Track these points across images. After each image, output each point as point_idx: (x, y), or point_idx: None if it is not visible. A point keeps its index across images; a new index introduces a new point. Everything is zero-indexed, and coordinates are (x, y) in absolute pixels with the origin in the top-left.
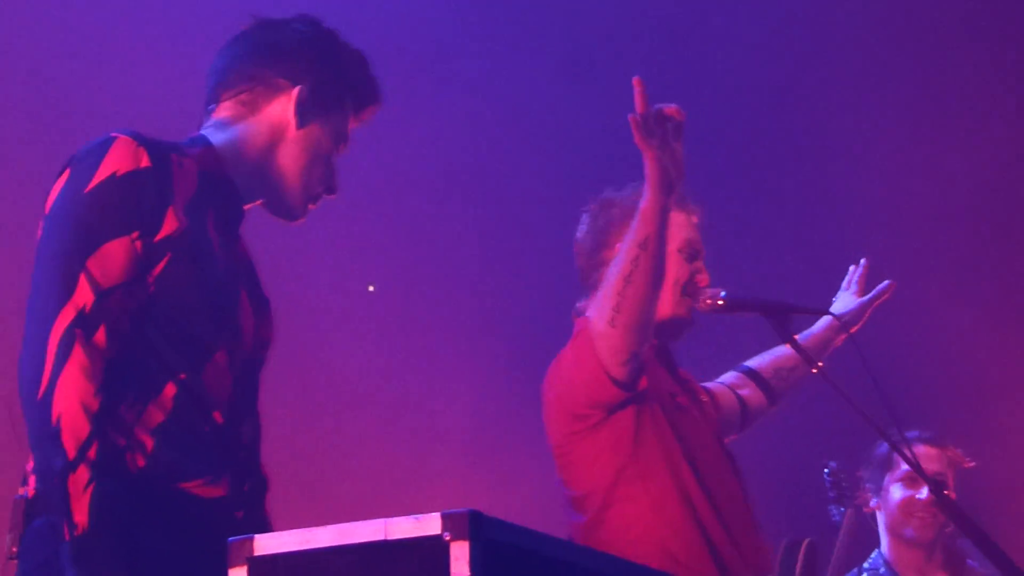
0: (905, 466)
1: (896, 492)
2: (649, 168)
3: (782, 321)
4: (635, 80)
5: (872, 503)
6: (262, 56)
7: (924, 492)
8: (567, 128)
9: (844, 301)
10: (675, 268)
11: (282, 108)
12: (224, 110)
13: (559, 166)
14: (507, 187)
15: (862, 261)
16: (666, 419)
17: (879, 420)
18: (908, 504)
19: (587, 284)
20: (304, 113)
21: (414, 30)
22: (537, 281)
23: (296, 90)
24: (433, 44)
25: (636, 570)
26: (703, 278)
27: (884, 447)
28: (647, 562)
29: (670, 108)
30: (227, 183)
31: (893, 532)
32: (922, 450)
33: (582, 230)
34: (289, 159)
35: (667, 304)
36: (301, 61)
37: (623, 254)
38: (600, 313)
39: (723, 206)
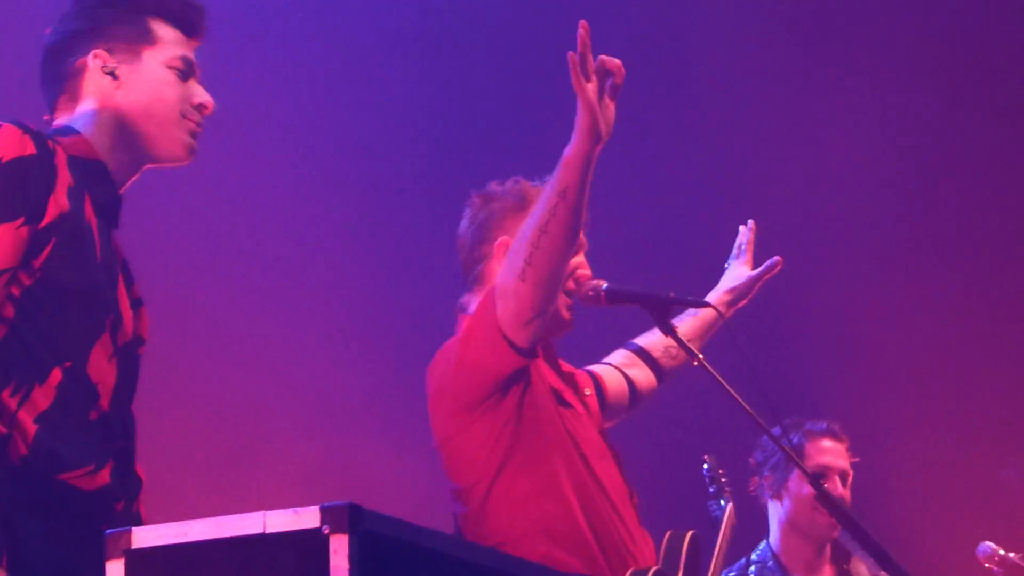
0: (817, 460)
1: (806, 487)
2: (580, 113)
3: (663, 313)
4: (581, 23)
5: (767, 494)
6: (50, 62)
7: (838, 488)
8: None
9: (735, 272)
10: None
11: (96, 79)
12: (61, 114)
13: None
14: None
15: (749, 223)
16: (552, 410)
17: (762, 412)
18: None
19: (469, 279)
20: (113, 68)
21: (410, 28)
22: (413, 276)
23: (88, 57)
24: (424, 41)
25: (515, 563)
26: (584, 273)
27: (794, 438)
28: (530, 552)
29: (613, 62)
30: (99, 165)
31: (792, 525)
32: (828, 444)
33: (463, 224)
34: (134, 108)
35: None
36: (72, 41)
37: (541, 203)
38: (510, 267)
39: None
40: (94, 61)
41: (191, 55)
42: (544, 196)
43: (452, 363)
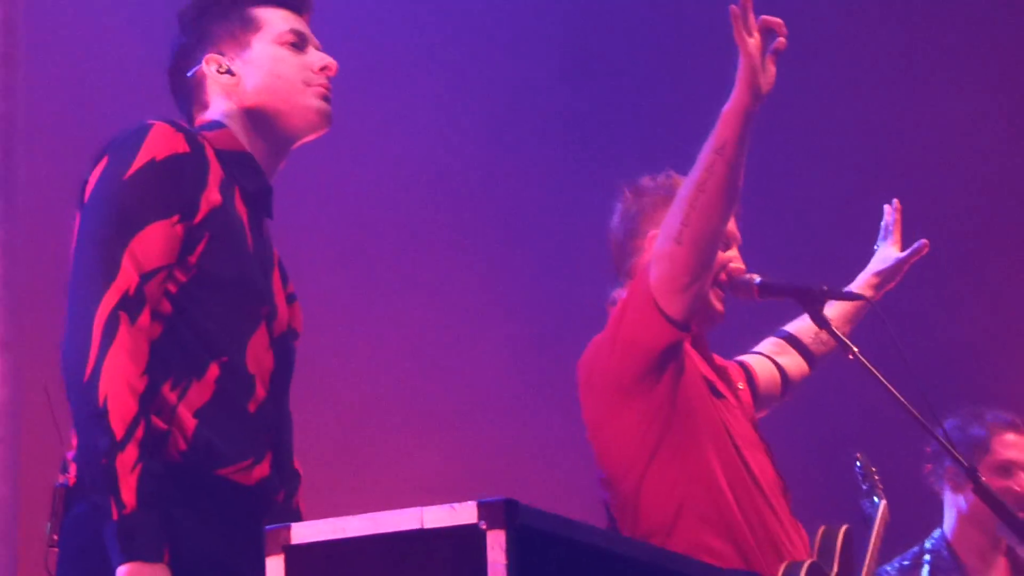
0: (1003, 455)
1: (995, 479)
2: (742, 66)
3: (817, 307)
4: None
5: (946, 484)
6: (175, 82)
7: (1022, 483)
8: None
9: (883, 254)
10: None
11: (216, 81)
12: (197, 121)
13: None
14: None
15: (894, 202)
16: (706, 398)
17: (916, 403)
18: (1005, 492)
19: (619, 273)
20: (228, 66)
21: (412, 28)
22: (554, 272)
23: (203, 66)
24: (430, 41)
25: (671, 558)
26: (737, 267)
27: (975, 430)
28: (684, 539)
29: (776, 21)
30: (246, 156)
31: (972, 517)
32: (1012, 438)
33: (614, 219)
34: (259, 93)
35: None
36: (186, 55)
37: (698, 163)
38: (667, 232)
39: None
40: (208, 67)
41: (302, 27)
42: (701, 155)
43: (605, 346)
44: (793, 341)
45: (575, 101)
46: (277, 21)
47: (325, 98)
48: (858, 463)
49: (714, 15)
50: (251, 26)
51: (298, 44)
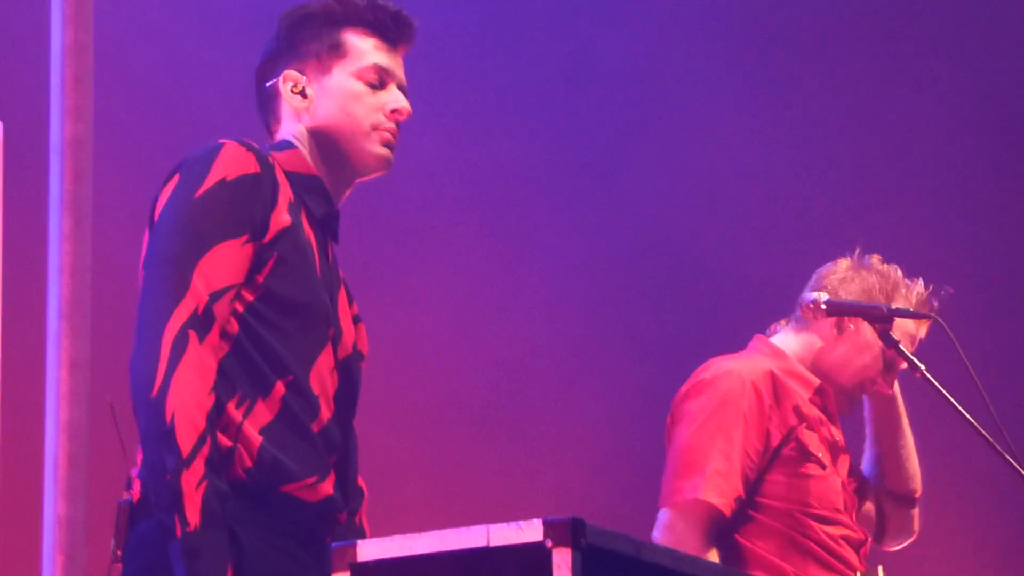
0: None
1: None
2: None
3: (885, 328)
4: None
5: None
6: (258, 86)
7: None
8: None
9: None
10: (870, 361)
11: (288, 100)
12: (273, 136)
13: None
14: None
15: None
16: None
17: (986, 424)
18: None
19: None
20: (303, 87)
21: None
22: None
23: (279, 80)
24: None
25: None
26: (885, 387)
27: None
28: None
29: None
30: (315, 180)
31: None
32: None
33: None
34: (326, 125)
35: (846, 392)
36: (270, 63)
37: None
38: None
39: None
40: (284, 85)
41: (388, 62)
42: None
43: None
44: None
45: (576, 100)
46: (364, 53)
47: (388, 144)
48: None
49: (715, 14)
50: (337, 52)
51: (377, 83)
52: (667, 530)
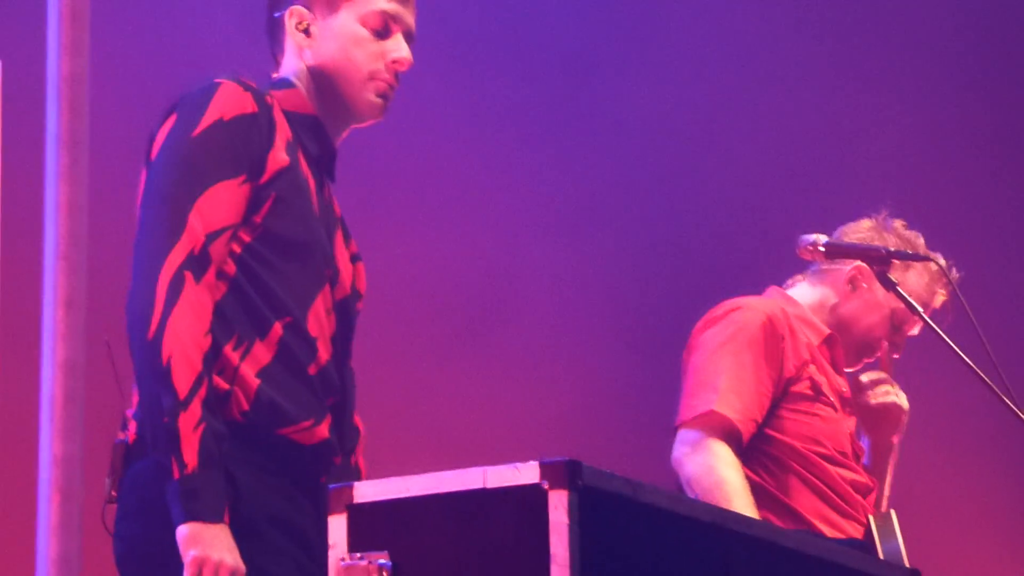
0: None
1: None
2: None
3: (884, 269)
4: None
5: None
6: (268, 14)
7: None
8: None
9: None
10: (879, 320)
11: (292, 35)
12: (277, 67)
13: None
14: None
15: None
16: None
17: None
18: None
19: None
20: (307, 24)
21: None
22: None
23: (286, 13)
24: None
25: (735, 519)
26: (892, 350)
27: None
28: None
29: None
30: (312, 119)
31: None
32: None
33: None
34: (325, 66)
35: (853, 347)
36: None
37: None
38: None
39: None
40: (290, 20)
41: (396, 9)
42: None
43: None
44: None
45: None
46: None
47: (384, 94)
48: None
49: (714, 15)
50: None
51: (382, 30)
52: (683, 444)
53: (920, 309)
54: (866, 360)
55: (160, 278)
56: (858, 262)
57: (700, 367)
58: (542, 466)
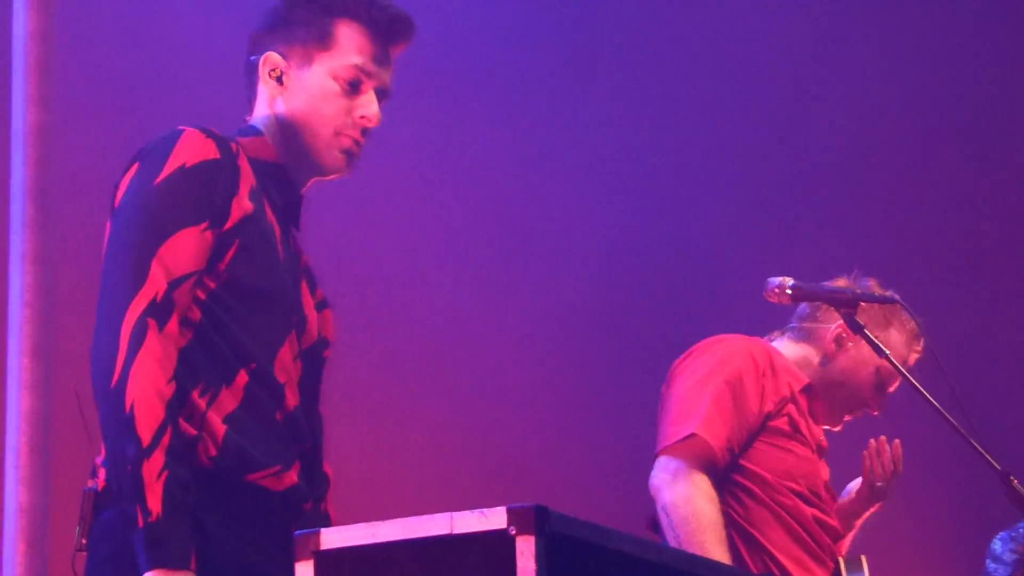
0: None
1: None
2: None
3: (850, 312)
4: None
5: None
6: (246, 56)
7: None
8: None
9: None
10: (866, 378)
11: (265, 81)
12: (251, 112)
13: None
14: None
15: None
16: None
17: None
18: None
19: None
20: (280, 72)
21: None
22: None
23: (261, 59)
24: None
25: (703, 564)
26: (875, 408)
27: None
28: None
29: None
30: (278, 168)
31: None
32: None
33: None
34: (294, 117)
35: (839, 406)
36: (257, 37)
37: None
38: None
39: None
40: (264, 66)
41: (371, 65)
42: None
43: None
44: None
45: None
46: (348, 51)
47: (348, 150)
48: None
49: (714, 15)
50: (324, 44)
51: (354, 85)
52: (663, 471)
53: (887, 352)
54: (847, 419)
55: (123, 326)
56: (841, 320)
57: (683, 396)
58: (509, 512)
